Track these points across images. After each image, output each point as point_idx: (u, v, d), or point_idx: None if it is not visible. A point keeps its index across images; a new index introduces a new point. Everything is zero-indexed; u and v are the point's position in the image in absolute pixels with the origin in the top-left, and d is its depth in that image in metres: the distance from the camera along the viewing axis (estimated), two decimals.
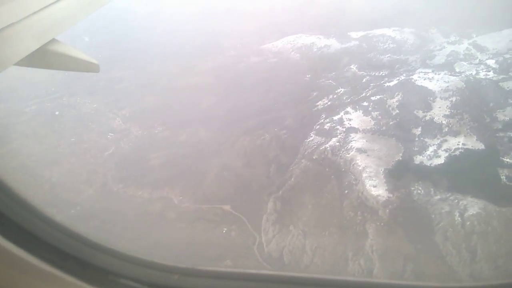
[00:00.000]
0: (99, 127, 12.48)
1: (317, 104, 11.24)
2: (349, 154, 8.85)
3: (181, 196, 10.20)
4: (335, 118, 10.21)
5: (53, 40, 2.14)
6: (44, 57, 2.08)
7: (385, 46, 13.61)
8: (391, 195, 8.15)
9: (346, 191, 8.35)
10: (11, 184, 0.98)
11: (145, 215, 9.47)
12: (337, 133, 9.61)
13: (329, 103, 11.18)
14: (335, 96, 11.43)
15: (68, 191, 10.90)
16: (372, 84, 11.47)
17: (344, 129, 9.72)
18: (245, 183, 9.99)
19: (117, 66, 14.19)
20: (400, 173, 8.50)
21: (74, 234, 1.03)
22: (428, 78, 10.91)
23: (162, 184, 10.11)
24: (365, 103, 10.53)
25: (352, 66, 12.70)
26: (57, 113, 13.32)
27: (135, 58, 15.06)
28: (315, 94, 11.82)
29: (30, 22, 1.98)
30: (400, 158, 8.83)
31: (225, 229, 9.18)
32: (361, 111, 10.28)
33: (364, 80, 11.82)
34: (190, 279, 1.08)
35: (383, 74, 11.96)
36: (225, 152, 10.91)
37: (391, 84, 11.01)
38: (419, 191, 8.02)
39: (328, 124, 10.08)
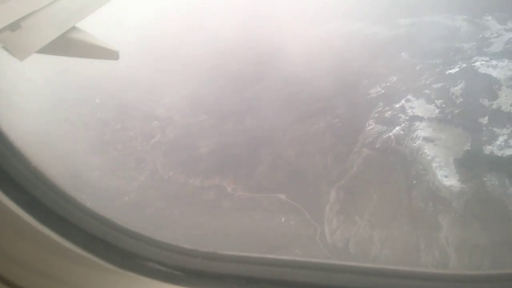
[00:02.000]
0: (142, 115, 12.45)
1: (369, 92, 10.67)
2: (415, 143, 8.59)
3: (234, 184, 10.07)
4: (396, 106, 10.05)
5: (73, 28, 2.12)
6: (65, 45, 2.05)
7: (436, 33, 12.76)
8: (464, 186, 7.87)
9: (415, 182, 8.11)
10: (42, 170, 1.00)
11: (199, 203, 9.25)
12: (400, 121, 9.33)
13: (383, 91, 10.88)
14: (388, 84, 11.10)
15: (119, 178, 10.92)
16: (427, 72, 10.78)
17: (407, 118, 9.42)
18: (300, 172, 9.68)
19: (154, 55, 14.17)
20: (471, 163, 8.21)
21: (102, 218, 1.06)
22: (492, 65, 10.31)
23: (213, 173, 9.88)
24: (427, 91, 10.19)
25: (402, 54, 11.97)
26: (97, 100, 13.31)
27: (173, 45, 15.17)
28: (366, 81, 11.19)
29: (51, 10, 1.95)
30: (469, 148, 8.52)
31: (283, 218, 9.11)
32: (423, 99, 9.94)
33: (417, 68, 11.12)
34: (211, 262, 1.12)
35: (437, 62, 11.19)
36: (276, 140, 10.71)
37: (452, 71, 10.46)
38: (492, 182, 7.58)
39: (389, 112, 9.84)
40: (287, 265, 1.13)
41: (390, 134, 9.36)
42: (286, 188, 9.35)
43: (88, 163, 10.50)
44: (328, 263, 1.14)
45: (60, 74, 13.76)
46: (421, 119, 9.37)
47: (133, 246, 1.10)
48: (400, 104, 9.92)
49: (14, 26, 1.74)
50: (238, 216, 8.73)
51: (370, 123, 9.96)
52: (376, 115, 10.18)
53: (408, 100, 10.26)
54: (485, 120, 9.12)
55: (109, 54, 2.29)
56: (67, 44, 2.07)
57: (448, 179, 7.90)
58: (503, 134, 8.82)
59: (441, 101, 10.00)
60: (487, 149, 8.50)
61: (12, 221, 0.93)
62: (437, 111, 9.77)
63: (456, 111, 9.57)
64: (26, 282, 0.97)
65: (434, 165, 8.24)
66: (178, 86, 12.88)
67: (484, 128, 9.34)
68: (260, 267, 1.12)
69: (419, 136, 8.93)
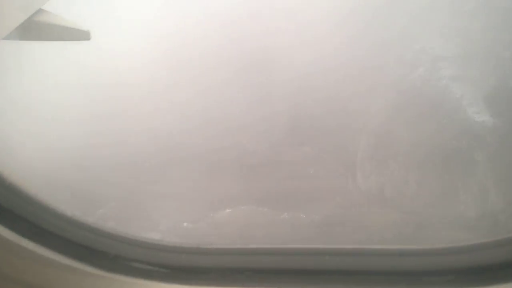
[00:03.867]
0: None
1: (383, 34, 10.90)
2: (441, 83, 8.50)
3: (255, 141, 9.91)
4: (416, 46, 9.84)
5: (40, 10, 2.00)
6: (33, 29, 1.96)
7: None
8: (496, 120, 7.87)
9: (445, 121, 8.08)
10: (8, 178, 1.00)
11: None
12: (422, 62, 9.19)
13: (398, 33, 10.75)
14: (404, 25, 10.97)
15: None
16: (443, 10, 10.97)
17: (429, 58, 9.30)
18: (322, 121, 9.73)
19: None
20: (500, 98, 8.20)
21: (84, 225, 1.08)
22: None
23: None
24: (446, 30, 9.98)
25: None
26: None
27: None
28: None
29: None
30: (496, 83, 8.49)
31: (311, 170, 9.01)
32: (443, 38, 9.75)
33: (433, 6, 11.29)
34: (195, 257, 1.16)
35: None
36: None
37: (470, 7, 10.55)
38: None
39: (409, 54, 9.67)
40: (269, 252, 1.18)
41: (414, 75, 9.24)
42: (309, 142, 9.23)
43: None
44: (314, 248, 1.19)
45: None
46: (443, 58, 9.25)
47: (117, 249, 1.14)
48: (420, 45, 10.11)
49: None
50: (264, 171, 8.65)
51: (390, 65, 9.81)
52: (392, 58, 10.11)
53: (427, 40, 10.09)
54: (508, 54, 9.39)
55: (80, 35, 2.21)
56: (34, 28, 1.99)
57: (479, 115, 7.88)
58: None
59: (461, 39, 9.87)
60: None
61: None
62: (458, 49, 9.66)
63: (478, 47, 9.48)
64: None
65: (463, 102, 8.20)
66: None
67: (508, 62, 9.28)
68: (242, 257, 1.18)
69: (445, 76, 8.83)
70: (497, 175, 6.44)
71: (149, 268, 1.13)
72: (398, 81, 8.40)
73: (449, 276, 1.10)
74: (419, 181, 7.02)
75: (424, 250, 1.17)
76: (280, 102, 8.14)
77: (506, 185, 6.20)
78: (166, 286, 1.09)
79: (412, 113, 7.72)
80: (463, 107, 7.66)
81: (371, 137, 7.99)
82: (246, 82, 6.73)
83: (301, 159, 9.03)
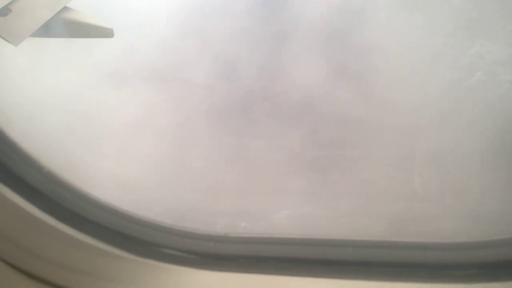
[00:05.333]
0: (183, 84, 11.95)
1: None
2: (501, 88, 8.18)
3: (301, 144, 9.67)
4: (471, 51, 9.54)
5: (65, 8, 2.40)
6: (58, 26, 2.38)
7: None
8: None
9: (507, 126, 7.79)
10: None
11: (271, 164, 9.12)
12: (479, 67, 8.88)
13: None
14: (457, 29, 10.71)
15: None
16: (498, 14, 10.67)
17: (486, 63, 9.00)
18: (376, 125, 9.52)
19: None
20: None
21: (118, 212, 1.38)
22: None
23: (275, 134, 9.68)
24: (502, 34, 9.64)
25: None
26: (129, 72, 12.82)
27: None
28: None
29: None
30: None
31: (366, 175, 8.79)
32: (499, 43, 9.45)
33: (488, 10, 10.98)
34: (223, 244, 1.49)
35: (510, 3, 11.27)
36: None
37: None
38: None
39: (464, 58, 9.39)
40: (294, 242, 1.40)
41: (471, 80, 8.91)
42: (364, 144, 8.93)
43: None
44: (334, 239, 1.37)
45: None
46: (502, 63, 8.89)
47: (149, 235, 1.37)
48: (475, 49, 9.71)
49: (4, 11, 2.00)
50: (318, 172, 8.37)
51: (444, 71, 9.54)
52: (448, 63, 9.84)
53: (482, 45, 9.78)
54: None
55: (104, 32, 2.69)
56: (60, 25, 2.43)
57: None
58: None
59: None
60: None
61: (32, 223, 1.14)
62: None
63: None
64: (50, 275, 1.20)
65: None
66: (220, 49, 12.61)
67: None
68: (268, 246, 1.40)
69: (505, 80, 8.49)
70: None
71: (178, 254, 1.40)
72: (454, 86, 8.20)
73: (472, 270, 1.30)
74: (480, 187, 6.77)
75: (447, 244, 1.37)
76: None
77: None
78: (194, 271, 1.36)
79: (471, 118, 7.50)
80: None
81: (429, 142, 7.78)
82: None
83: (353, 163, 8.80)
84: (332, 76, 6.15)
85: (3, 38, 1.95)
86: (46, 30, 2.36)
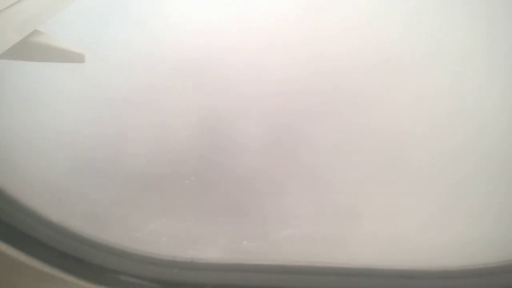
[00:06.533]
0: None
1: None
2: None
3: None
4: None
5: (35, 31, 2.11)
6: (27, 49, 2.07)
7: None
8: None
9: None
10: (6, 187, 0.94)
11: None
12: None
13: None
14: None
15: None
16: None
17: None
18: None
19: None
20: None
21: (71, 233, 1.03)
22: None
23: None
24: None
25: None
26: None
27: None
28: None
29: (10, 13, 1.92)
30: None
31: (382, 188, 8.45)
32: None
33: None
34: (189, 272, 1.17)
35: None
36: None
37: None
38: None
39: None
40: (266, 270, 1.16)
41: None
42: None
43: None
44: (315, 266, 1.15)
45: None
46: None
47: (105, 260, 1.13)
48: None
49: None
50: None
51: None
52: None
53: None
54: None
55: (74, 57, 2.38)
56: (29, 49, 2.12)
57: None
58: None
59: None
60: None
61: None
62: None
63: None
64: None
65: None
66: None
67: None
68: (239, 274, 1.15)
69: None
70: None
71: (138, 281, 1.12)
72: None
73: None
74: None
75: (459, 272, 1.15)
76: None
77: None
78: None
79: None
80: None
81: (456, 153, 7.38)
82: None
83: (368, 177, 8.40)
84: None
85: None
86: (13, 53, 2.06)
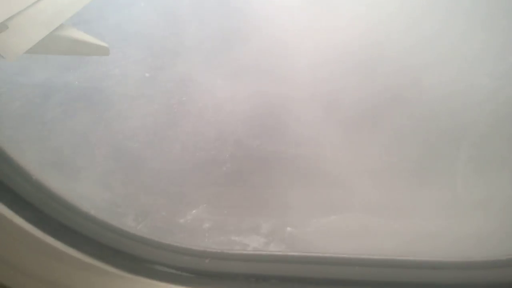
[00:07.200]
0: (202, 87, 11.68)
1: None
2: None
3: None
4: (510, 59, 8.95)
5: (61, 26, 2.29)
6: (54, 43, 2.24)
7: None
8: None
9: None
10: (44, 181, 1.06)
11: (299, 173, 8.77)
12: None
13: None
14: None
15: (205, 150, 10.16)
16: None
17: None
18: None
19: None
20: None
21: (108, 225, 1.19)
22: None
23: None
24: None
25: None
26: (147, 75, 12.51)
27: None
28: None
29: (37, 9, 2.07)
30: None
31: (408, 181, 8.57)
32: None
33: None
34: (220, 262, 1.30)
35: None
36: None
37: None
38: None
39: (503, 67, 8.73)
40: (297, 260, 1.25)
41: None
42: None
43: (166, 137, 9.94)
44: (340, 257, 1.23)
45: None
46: None
47: (141, 251, 1.23)
48: None
49: (1, 28, 1.87)
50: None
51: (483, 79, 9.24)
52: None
53: None
54: None
55: (99, 50, 2.53)
56: (56, 42, 2.28)
57: None
58: None
59: None
60: None
61: (18, 235, 1.04)
62: None
63: None
64: None
65: None
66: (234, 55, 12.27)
67: None
68: (268, 264, 1.25)
69: None
70: None
71: (172, 271, 1.24)
72: (494, 95, 8.02)
73: None
74: None
75: (460, 263, 1.23)
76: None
77: None
78: None
79: None
80: None
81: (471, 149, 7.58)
82: None
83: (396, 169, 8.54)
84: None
85: None
86: (41, 47, 2.19)
